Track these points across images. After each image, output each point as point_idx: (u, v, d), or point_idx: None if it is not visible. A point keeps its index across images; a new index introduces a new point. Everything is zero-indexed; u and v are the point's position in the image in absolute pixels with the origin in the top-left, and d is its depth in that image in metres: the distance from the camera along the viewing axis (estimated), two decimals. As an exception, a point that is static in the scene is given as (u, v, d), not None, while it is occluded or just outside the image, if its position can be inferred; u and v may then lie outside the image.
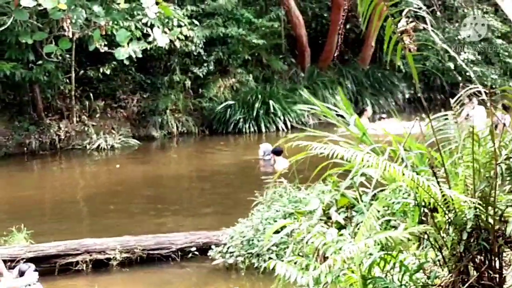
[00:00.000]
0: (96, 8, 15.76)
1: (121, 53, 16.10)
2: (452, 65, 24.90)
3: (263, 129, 21.81)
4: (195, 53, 22.02)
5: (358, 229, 6.04)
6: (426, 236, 5.85)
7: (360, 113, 20.00)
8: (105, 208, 13.78)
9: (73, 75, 20.37)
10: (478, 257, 5.58)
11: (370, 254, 5.58)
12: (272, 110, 22.00)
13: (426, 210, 5.74)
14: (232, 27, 22.50)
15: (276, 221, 9.15)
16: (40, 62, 18.84)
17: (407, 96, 26.50)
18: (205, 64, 22.28)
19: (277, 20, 24.02)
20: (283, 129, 21.90)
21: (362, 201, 7.74)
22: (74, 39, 17.98)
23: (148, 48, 18.25)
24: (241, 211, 10.42)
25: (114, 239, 10.26)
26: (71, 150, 20.06)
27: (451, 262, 5.59)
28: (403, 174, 5.31)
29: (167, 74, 22.02)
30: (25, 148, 19.61)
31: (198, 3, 22.70)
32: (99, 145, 20.05)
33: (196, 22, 21.64)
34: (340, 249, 5.62)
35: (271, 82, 23.61)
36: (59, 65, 19.60)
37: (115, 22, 17.59)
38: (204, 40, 21.94)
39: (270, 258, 8.62)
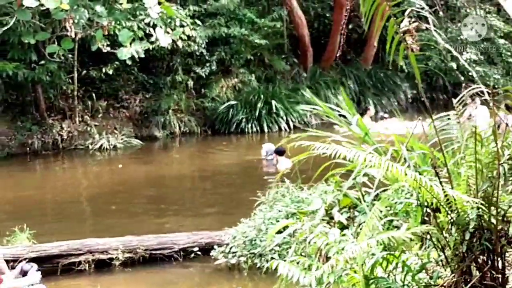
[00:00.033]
0: (99, 8, 15.76)
1: (124, 53, 16.08)
2: (454, 65, 24.89)
3: (266, 129, 21.82)
4: (197, 53, 22.05)
5: (361, 229, 6.05)
6: (428, 236, 5.85)
7: (363, 113, 20.02)
8: (107, 208, 13.79)
9: (75, 75, 20.40)
10: (481, 257, 5.57)
11: (373, 254, 5.58)
12: (274, 110, 22.01)
13: (428, 210, 5.74)
14: (235, 27, 22.51)
15: (278, 221, 9.15)
16: (42, 62, 18.86)
17: (409, 96, 26.52)
18: (208, 64, 22.30)
19: (280, 20, 24.02)
20: (285, 129, 21.91)
21: (364, 201, 7.75)
22: (76, 39, 18.00)
23: (151, 48, 18.23)
24: (244, 211, 10.42)
25: (116, 239, 10.26)
26: (74, 150, 20.08)
27: (453, 262, 5.59)
28: (406, 174, 5.30)
29: (170, 74, 22.04)
30: (28, 148, 19.64)
31: (201, 3, 22.73)
32: (101, 145, 20.08)
33: (198, 22, 21.66)
34: (342, 249, 5.62)
35: (273, 82, 23.62)
36: (62, 65, 19.62)
37: (118, 22, 17.60)
38: (207, 40, 21.97)
39: (272, 258, 8.62)
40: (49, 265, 9.72)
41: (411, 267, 5.67)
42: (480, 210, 5.42)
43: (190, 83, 22.27)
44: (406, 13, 5.48)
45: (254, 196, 10.36)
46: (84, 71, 20.95)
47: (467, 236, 5.45)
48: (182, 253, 10.21)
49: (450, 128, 6.48)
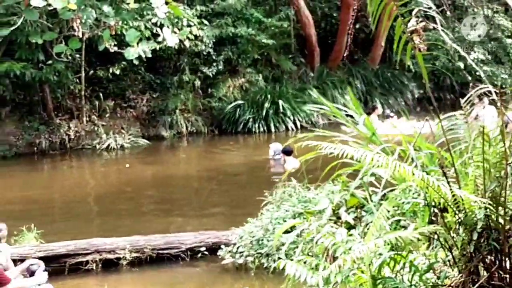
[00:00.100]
0: (106, 8, 15.78)
1: (131, 53, 16.10)
2: (462, 65, 24.83)
3: (273, 129, 21.80)
4: (204, 53, 22.06)
5: (368, 229, 6.04)
6: (436, 236, 5.84)
7: (370, 112, 19.98)
8: (114, 207, 13.81)
9: (83, 75, 20.43)
10: (489, 257, 5.56)
11: (380, 254, 5.57)
12: (281, 110, 22.00)
13: (436, 210, 5.73)
14: (242, 26, 22.51)
15: (285, 221, 9.16)
16: (50, 62, 18.90)
17: (416, 96, 26.45)
18: (215, 64, 22.31)
19: (287, 19, 24.01)
20: (292, 129, 21.89)
21: (371, 201, 7.74)
22: (84, 39, 18.02)
23: (158, 48, 18.26)
24: (251, 211, 10.42)
25: (123, 238, 10.27)
26: (81, 150, 20.12)
27: (461, 262, 5.58)
28: (413, 174, 5.30)
29: (177, 74, 22.06)
30: (35, 148, 19.68)
31: (208, 3, 22.74)
32: (108, 145, 20.11)
33: (205, 22, 21.67)
34: (349, 249, 5.62)
35: (280, 82, 23.61)
36: (69, 65, 19.66)
37: (125, 22, 17.63)
38: (214, 40, 21.98)
39: (279, 258, 8.62)
40: (56, 265, 9.75)
41: (419, 267, 5.66)
42: (488, 210, 5.41)
43: (197, 83, 22.28)
44: (414, 12, 5.48)
45: (261, 196, 10.36)
46: (92, 71, 20.98)
47: (475, 236, 5.44)
48: (189, 252, 10.22)
49: (458, 128, 6.47)
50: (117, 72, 20.81)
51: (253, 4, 23.73)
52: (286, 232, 8.38)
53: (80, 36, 15.64)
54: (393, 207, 6.05)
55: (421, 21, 5.43)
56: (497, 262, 5.55)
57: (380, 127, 10.18)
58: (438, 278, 5.71)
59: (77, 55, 19.69)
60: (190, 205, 14.04)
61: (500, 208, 5.49)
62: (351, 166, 8.02)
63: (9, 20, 16.21)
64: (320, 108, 9.45)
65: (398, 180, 6.80)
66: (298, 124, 22.04)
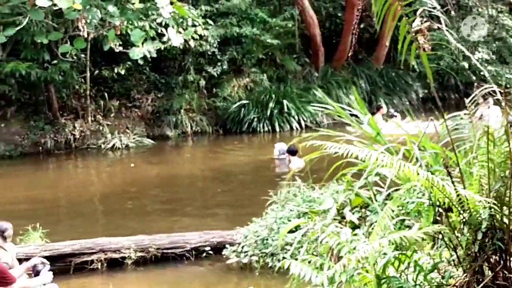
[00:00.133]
0: (111, 8, 15.83)
1: (136, 53, 16.17)
2: (466, 65, 24.80)
3: (277, 129, 21.82)
4: (209, 53, 22.07)
5: (372, 228, 6.05)
6: (440, 236, 5.84)
7: (375, 111, 19.97)
8: (119, 207, 13.84)
9: (88, 74, 20.45)
10: (493, 257, 5.56)
11: (385, 253, 5.58)
12: (286, 110, 22.01)
13: (440, 210, 5.73)
14: (246, 26, 22.52)
15: (290, 220, 9.16)
16: (55, 62, 18.93)
17: (421, 95, 26.42)
18: (219, 64, 22.32)
19: (291, 19, 24.02)
20: (297, 129, 21.89)
21: (376, 200, 7.74)
22: (89, 39, 18.09)
23: (163, 48, 18.30)
24: (255, 211, 10.44)
25: (128, 238, 10.29)
26: (86, 149, 20.15)
27: (465, 262, 5.58)
28: (418, 174, 5.30)
29: (181, 73, 22.08)
30: (41, 148, 19.72)
31: (212, 3, 22.75)
32: (113, 144, 20.14)
33: (210, 21, 21.68)
34: (354, 248, 5.63)
35: (285, 81, 23.61)
36: (74, 65, 19.68)
37: (130, 22, 17.66)
38: (218, 40, 21.99)
39: (284, 257, 8.62)
40: (61, 264, 9.77)
41: (423, 267, 5.67)
42: (493, 209, 5.41)
43: (202, 82, 22.30)
44: (418, 12, 5.48)
45: (265, 195, 10.37)
46: (97, 71, 21.01)
47: (479, 236, 5.45)
48: (194, 252, 10.23)
49: (462, 128, 6.47)
50: (122, 72, 20.83)
51: (257, 4, 23.73)
52: (291, 231, 8.40)
53: (85, 36, 15.72)
54: (398, 206, 6.05)
55: (425, 21, 5.43)
56: (502, 262, 5.56)
57: (384, 127, 10.17)
58: (443, 277, 5.72)
59: (82, 55, 19.72)
60: (195, 205, 14.05)
61: (504, 207, 5.49)
62: (356, 165, 8.02)
63: (15, 20, 16.27)
64: (325, 108, 9.45)
65: (403, 180, 6.80)
66: (303, 123, 22.05)
